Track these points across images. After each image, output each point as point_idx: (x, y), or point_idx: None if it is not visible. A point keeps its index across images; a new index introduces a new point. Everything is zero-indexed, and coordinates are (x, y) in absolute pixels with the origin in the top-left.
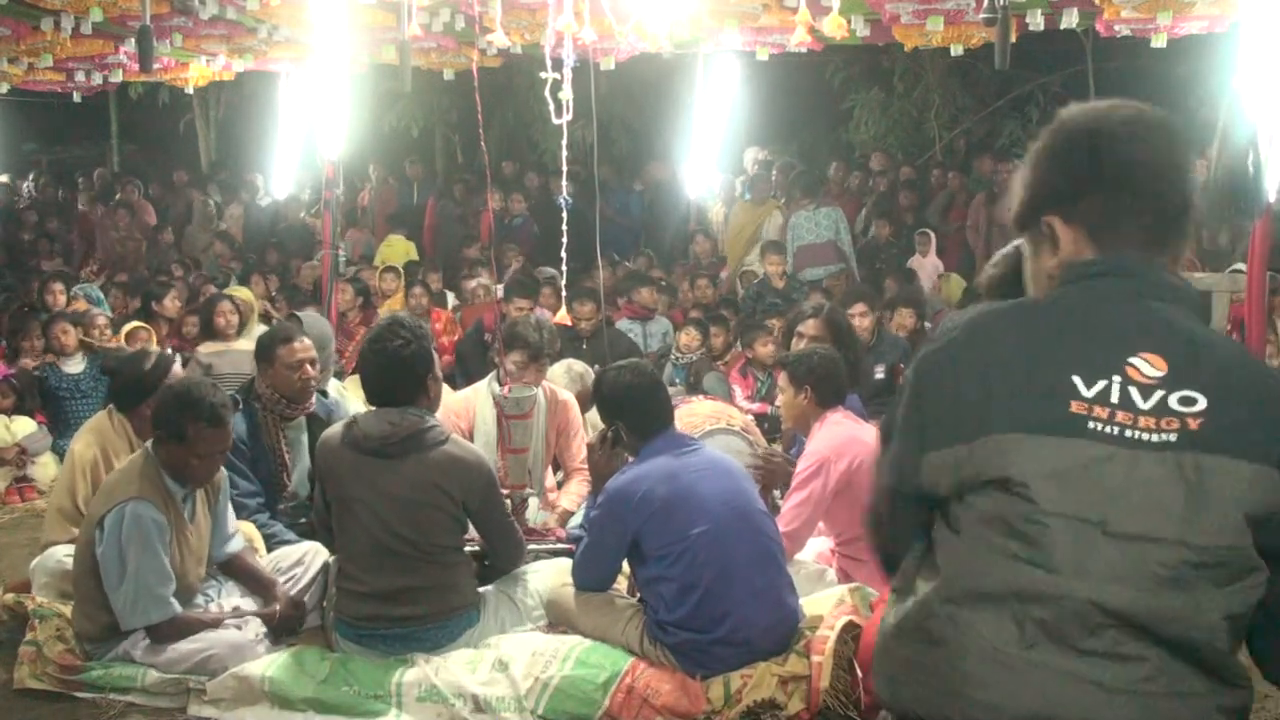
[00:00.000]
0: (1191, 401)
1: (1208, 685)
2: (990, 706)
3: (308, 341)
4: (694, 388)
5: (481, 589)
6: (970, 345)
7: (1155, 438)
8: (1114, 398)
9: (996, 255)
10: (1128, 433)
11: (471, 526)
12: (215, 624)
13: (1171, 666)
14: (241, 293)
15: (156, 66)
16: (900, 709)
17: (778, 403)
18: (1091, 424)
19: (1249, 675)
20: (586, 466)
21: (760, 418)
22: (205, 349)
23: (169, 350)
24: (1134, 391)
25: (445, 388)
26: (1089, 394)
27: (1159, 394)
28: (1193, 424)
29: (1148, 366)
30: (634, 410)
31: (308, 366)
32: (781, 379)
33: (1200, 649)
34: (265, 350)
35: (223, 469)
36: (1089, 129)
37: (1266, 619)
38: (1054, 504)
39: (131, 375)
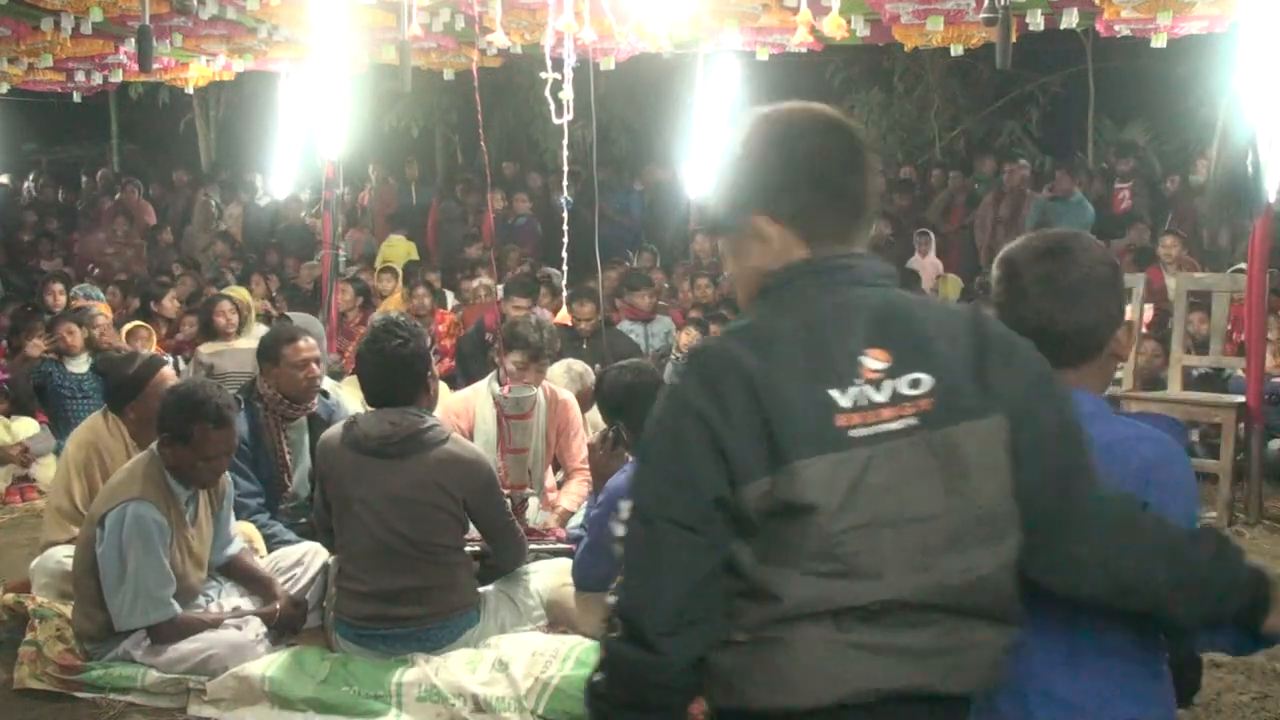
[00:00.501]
0: (918, 383)
1: (994, 632)
2: (819, 692)
3: (312, 341)
4: None
5: (481, 589)
6: (726, 377)
7: (899, 425)
8: (862, 401)
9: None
10: (878, 429)
11: (472, 526)
12: (215, 624)
13: (962, 624)
14: (239, 293)
15: (156, 66)
16: (738, 707)
17: None
18: (853, 433)
19: (1023, 610)
20: (587, 466)
21: None
22: (206, 349)
23: (164, 353)
24: (870, 390)
25: (444, 387)
26: (846, 404)
27: (889, 384)
28: (924, 404)
29: (874, 362)
30: (635, 410)
31: (313, 365)
32: None
33: (986, 606)
34: (269, 350)
35: (228, 475)
36: (786, 130)
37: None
38: (845, 519)
39: (119, 377)
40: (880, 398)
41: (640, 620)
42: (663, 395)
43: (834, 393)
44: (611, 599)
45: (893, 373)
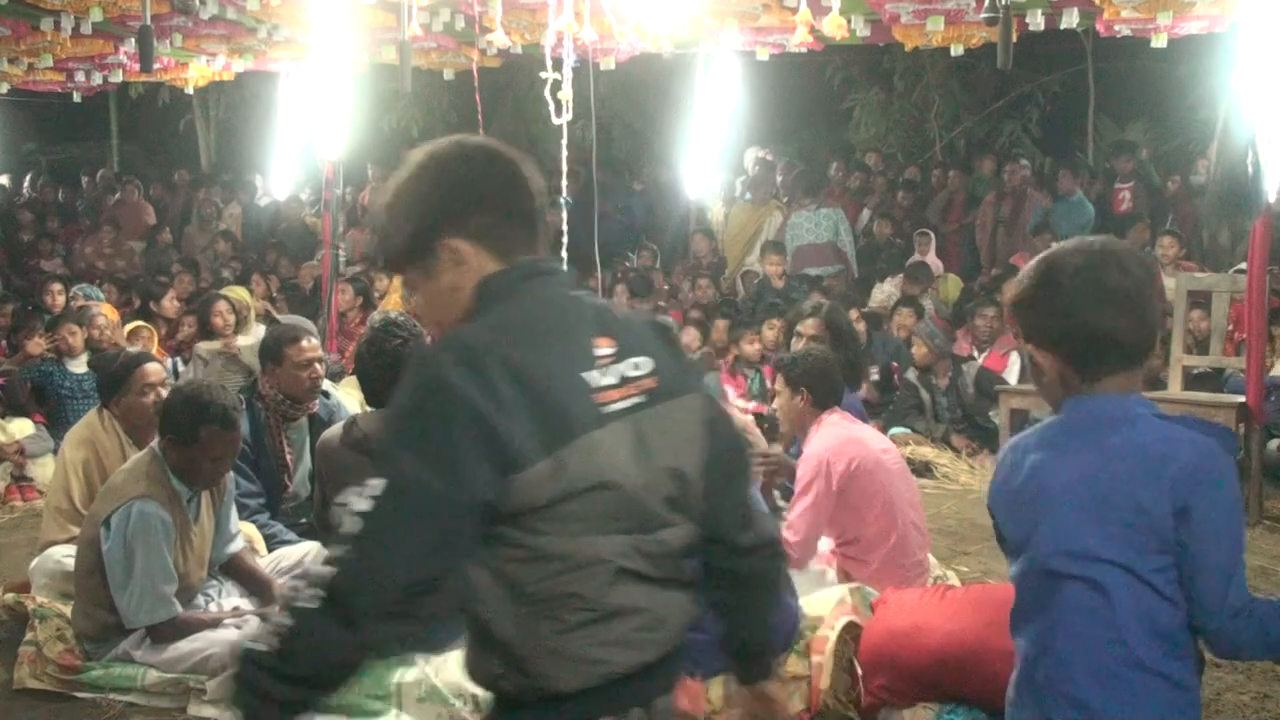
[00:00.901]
0: (639, 366)
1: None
2: (661, 642)
3: (315, 341)
4: None
5: None
6: (488, 364)
7: (630, 403)
8: (604, 382)
9: (1025, 271)
10: (619, 405)
11: None
12: (215, 624)
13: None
14: (237, 292)
15: (156, 66)
16: (594, 681)
17: (774, 405)
18: (605, 409)
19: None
20: None
21: (759, 417)
22: (205, 346)
23: (165, 354)
24: (604, 374)
25: None
26: (597, 384)
27: (617, 368)
28: (648, 384)
29: (603, 349)
30: None
31: (316, 365)
32: (777, 382)
33: (694, 552)
34: (273, 350)
35: (231, 473)
36: (462, 160)
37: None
38: (632, 481)
39: (104, 372)
40: (612, 380)
41: (354, 600)
42: (416, 378)
43: (586, 374)
44: (323, 569)
45: (618, 357)
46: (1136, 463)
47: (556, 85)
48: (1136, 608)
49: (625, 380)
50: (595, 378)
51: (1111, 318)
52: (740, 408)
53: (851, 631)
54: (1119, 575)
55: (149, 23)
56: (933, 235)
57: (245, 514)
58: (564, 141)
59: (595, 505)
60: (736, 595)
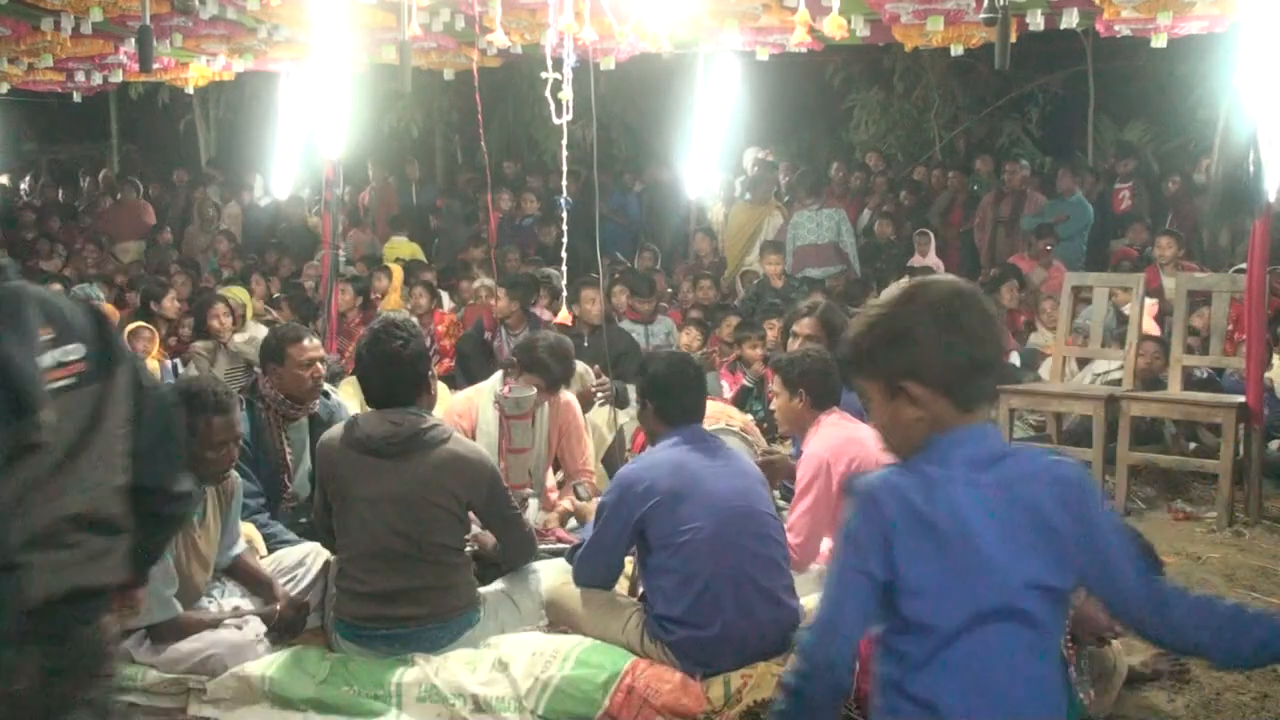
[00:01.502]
0: (71, 352)
1: (111, 542)
2: (85, 578)
3: (316, 341)
4: None
5: (482, 589)
6: None
7: (66, 383)
8: (48, 365)
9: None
10: (57, 385)
11: (474, 526)
12: (215, 624)
13: (93, 540)
14: (234, 292)
15: (156, 66)
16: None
17: (772, 405)
18: (50, 386)
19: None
20: (590, 470)
21: (757, 407)
22: (201, 343)
23: (165, 355)
24: (45, 357)
25: (443, 387)
26: (45, 365)
27: (53, 353)
28: (79, 367)
29: (43, 335)
30: (667, 394)
31: (318, 365)
32: (775, 383)
33: (104, 520)
34: (275, 350)
35: (238, 477)
36: None
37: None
38: (58, 446)
39: None
40: (51, 363)
41: None
42: None
43: (38, 359)
44: None
45: (55, 344)
46: (1040, 486)
47: (557, 85)
48: (1057, 630)
49: (59, 364)
50: (44, 361)
51: (992, 347)
52: (726, 399)
53: None
54: (1042, 600)
55: (149, 23)
56: (932, 235)
57: (245, 514)
58: (564, 141)
59: (39, 463)
60: (160, 530)
